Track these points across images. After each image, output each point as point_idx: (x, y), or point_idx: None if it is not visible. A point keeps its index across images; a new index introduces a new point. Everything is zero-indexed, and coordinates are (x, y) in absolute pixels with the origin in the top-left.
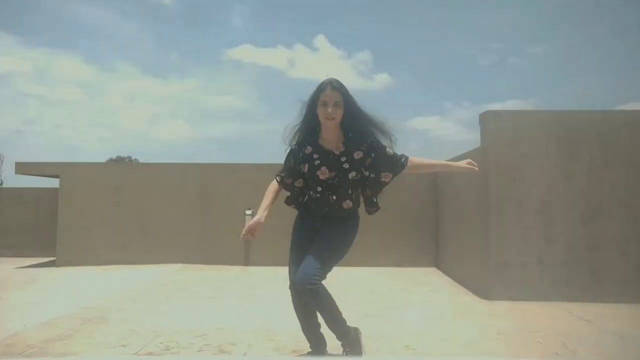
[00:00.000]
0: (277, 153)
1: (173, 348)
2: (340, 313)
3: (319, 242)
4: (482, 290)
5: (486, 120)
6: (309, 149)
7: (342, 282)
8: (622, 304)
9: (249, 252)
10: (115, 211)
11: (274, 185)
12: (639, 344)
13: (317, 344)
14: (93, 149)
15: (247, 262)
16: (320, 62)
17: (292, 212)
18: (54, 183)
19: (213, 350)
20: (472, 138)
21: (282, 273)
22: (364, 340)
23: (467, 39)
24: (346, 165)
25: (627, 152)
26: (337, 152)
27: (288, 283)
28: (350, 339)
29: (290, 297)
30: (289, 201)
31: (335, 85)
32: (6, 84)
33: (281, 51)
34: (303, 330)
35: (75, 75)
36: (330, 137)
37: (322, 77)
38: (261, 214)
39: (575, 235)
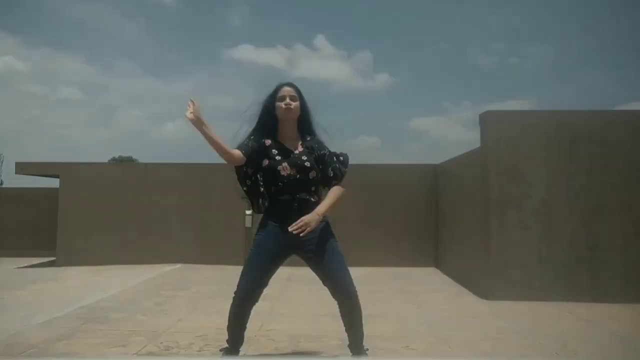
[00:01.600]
0: None
1: (173, 348)
2: None
3: (330, 253)
4: (482, 290)
5: (486, 120)
6: (268, 142)
7: None
8: (622, 304)
9: (248, 252)
10: (115, 211)
11: (231, 148)
12: (639, 344)
13: (238, 342)
14: (93, 149)
15: None
16: (320, 62)
17: None
18: (54, 183)
19: (213, 350)
20: (472, 138)
21: (282, 273)
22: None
23: (467, 39)
24: (307, 164)
25: (627, 152)
26: (296, 152)
27: (288, 283)
28: (361, 349)
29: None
30: (253, 201)
31: (290, 83)
32: (6, 84)
33: (281, 51)
34: (233, 331)
35: (76, 75)
36: (289, 135)
37: (322, 77)
38: (205, 122)
39: (575, 235)
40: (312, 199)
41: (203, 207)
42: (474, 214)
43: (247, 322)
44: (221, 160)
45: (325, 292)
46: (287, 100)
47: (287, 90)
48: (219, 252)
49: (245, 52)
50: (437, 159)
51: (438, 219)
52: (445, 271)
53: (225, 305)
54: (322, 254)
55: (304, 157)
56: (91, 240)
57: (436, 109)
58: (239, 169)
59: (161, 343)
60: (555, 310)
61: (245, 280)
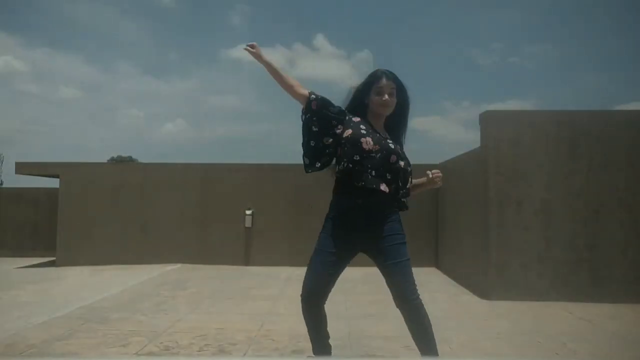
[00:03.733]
0: (277, 153)
1: (173, 348)
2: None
3: (394, 256)
4: (482, 290)
5: (486, 120)
6: (357, 118)
7: (342, 282)
8: (622, 304)
9: (249, 252)
10: (115, 211)
11: (301, 87)
12: (639, 344)
13: (322, 352)
14: (93, 149)
15: (247, 262)
16: (320, 61)
17: (290, 213)
18: (54, 183)
19: (213, 350)
20: (472, 138)
21: (282, 273)
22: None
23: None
24: (392, 145)
25: (627, 152)
26: (382, 134)
27: (288, 283)
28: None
29: (300, 305)
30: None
31: (391, 74)
32: (6, 84)
33: (281, 50)
34: (313, 341)
35: (76, 75)
36: (378, 126)
37: (322, 77)
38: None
39: (575, 235)
40: (386, 190)
41: (203, 207)
42: (474, 213)
43: (326, 327)
44: (221, 160)
45: None
46: (386, 97)
47: (387, 84)
48: (219, 252)
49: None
50: (437, 159)
51: (438, 219)
52: (445, 271)
53: (225, 305)
54: (387, 256)
55: (389, 139)
56: (91, 240)
57: (436, 109)
58: (305, 115)
59: (161, 343)
60: (555, 310)
61: (311, 276)
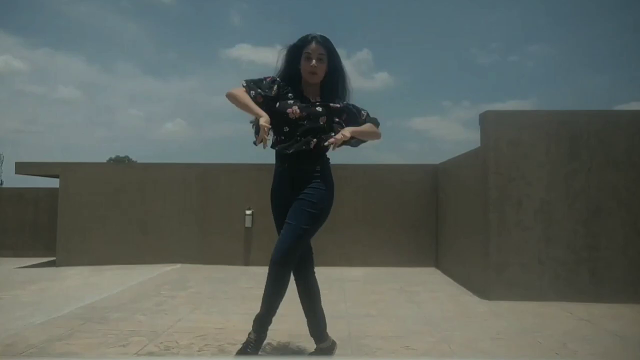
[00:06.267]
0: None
1: (173, 348)
2: (322, 310)
3: (294, 212)
4: (482, 290)
5: (486, 120)
6: (287, 87)
7: (342, 281)
8: (622, 304)
9: (249, 252)
10: (115, 211)
11: (241, 90)
12: (639, 344)
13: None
14: (93, 149)
15: (247, 262)
16: None
17: None
18: (54, 183)
19: (213, 350)
20: (472, 138)
21: None
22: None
23: (467, 39)
24: (319, 109)
25: (627, 152)
26: (312, 100)
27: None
28: (326, 344)
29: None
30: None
31: (319, 40)
32: (6, 84)
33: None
34: (268, 303)
35: (76, 75)
36: (309, 90)
37: None
38: (261, 112)
39: (575, 235)
40: (312, 151)
41: (203, 207)
42: (474, 213)
43: (282, 297)
44: (221, 160)
45: (325, 292)
46: (313, 62)
47: (314, 48)
48: (219, 252)
49: (244, 51)
50: (437, 159)
51: (438, 219)
52: (445, 271)
53: (225, 305)
54: (291, 211)
55: (317, 104)
56: (91, 240)
57: (436, 109)
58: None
59: (161, 343)
60: (555, 310)
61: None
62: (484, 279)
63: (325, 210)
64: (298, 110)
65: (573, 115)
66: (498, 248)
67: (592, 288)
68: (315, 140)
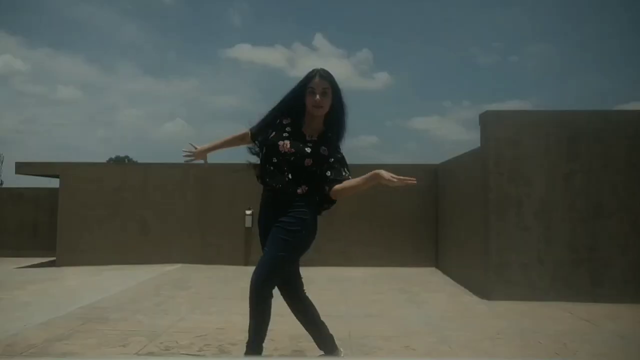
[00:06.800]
0: None
1: (173, 348)
2: (323, 325)
3: (271, 238)
4: (482, 290)
5: (486, 120)
6: (287, 120)
7: (342, 282)
8: (622, 304)
9: (249, 252)
10: (115, 211)
11: (241, 132)
12: (639, 344)
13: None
14: (93, 149)
15: (246, 262)
16: (319, 61)
17: None
18: (54, 183)
19: (213, 350)
20: (472, 138)
21: None
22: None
23: (467, 39)
24: (308, 150)
25: (627, 152)
26: (308, 137)
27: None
28: (329, 349)
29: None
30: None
31: (322, 74)
32: (6, 84)
33: (280, 50)
34: (255, 327)
35: (76, 75)
36: (315, 126)
37: None
38: (208, 145)
39: (575, 235)
40: (301, 187)
41: (203, 207)
42: (474, 214)
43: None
44: (220, 160)
45: (325, 292)
46: (317, 97)
47: (319, 82)
48: (219, 252)
49: (244, 52)
50: (437, 159)
51: (438, 219)
52: (445, 271)
53: (225, 305)
54: (270, 236)
55: (309, 144)
56: (91, 241)
57: (436, 109)
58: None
59: (161, 343)
60: (555, 310)
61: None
62: (484, 279)
63: (304, 238)
64: (288, 145)
65: (573, 115)
66: (498, 248)
67: (592, 288)
68: (306, 188)
